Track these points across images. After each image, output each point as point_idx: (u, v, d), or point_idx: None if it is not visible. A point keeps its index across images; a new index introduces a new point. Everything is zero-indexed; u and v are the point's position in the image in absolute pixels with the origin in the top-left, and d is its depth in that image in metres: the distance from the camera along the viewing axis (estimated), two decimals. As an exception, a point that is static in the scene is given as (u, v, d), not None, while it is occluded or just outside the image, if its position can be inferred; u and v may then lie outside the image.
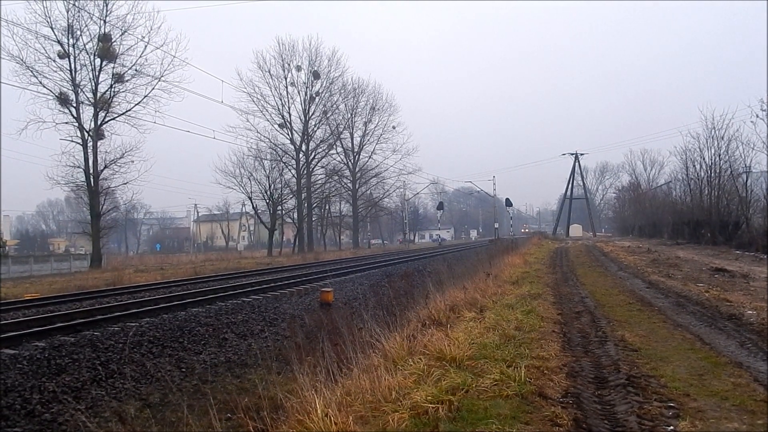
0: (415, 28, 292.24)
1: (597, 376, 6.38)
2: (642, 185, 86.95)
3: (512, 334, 8.30)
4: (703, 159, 43.50)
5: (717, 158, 41.49)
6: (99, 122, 40.74)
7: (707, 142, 42.38)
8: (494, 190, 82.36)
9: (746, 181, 39.13)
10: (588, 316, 10.53)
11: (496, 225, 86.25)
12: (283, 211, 63.71)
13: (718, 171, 41.53)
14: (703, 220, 42.48)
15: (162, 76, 40.78)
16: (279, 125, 61.18)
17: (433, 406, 4.99)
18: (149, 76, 40.86)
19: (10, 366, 9.55)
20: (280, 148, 61.20)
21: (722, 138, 40.71)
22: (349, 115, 69.65)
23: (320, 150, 65.95)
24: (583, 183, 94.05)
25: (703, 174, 44.00)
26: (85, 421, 6.15)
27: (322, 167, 67.83)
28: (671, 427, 4.61)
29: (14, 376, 9.05)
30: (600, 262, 27.21)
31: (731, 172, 40.34)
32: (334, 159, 70.74)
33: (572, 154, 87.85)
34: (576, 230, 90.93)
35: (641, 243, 48.34)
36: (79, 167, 40.31)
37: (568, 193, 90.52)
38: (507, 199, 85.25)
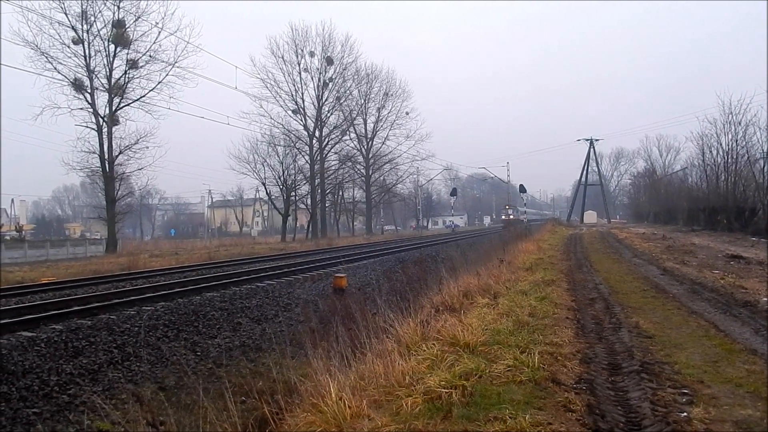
0: (429, 20, 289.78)
1: (611, 362, 6.37)
2: (657, 171, 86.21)
3: (526, 321, 8.29)
4: (720, 144, 43.04)
5: (734, 144, 41.06)
6: (113, 108, 40.89)
7: (724, 127, 41.91)
8: (508, 176, 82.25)
9: (764, 167, 38.73)
10: (602, 303, 10.50)
11: (510, 212, 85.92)
12: (297, 197, 63.81)
13: (735, 157, 41.11)
14: (719, 207, 42.04)
15: (176, 62, 40.82)
16: (292, 111, 61.11)
17: (447, 391, 5.01)
18: (163, 62, 40.89)
19: (28, 348, 9.70)
20: (294, 134, 61.23)
21: (739, 123, 40.26)
22: (363, 101, 69.44)
23: (333, 136, 65.90)
24: (598, 169, 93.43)
25: (719, 160, 43.57)
26: (101, 403, 6.25)
27: (336, 153, 67.91)
28: (685, 414, 4.60)
29: (32, 358, 9.19)
30: (614, 248, 27.05)
31: (748, 157, 39.93)
32: (348, 145, 70.75)
33: (587, 140, 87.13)
34: (590, 217, 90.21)
35: (656, 230, 47.97)
36: (94, 153, 40.58)
37: (583, 179, 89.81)
38: (521, 186, 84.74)
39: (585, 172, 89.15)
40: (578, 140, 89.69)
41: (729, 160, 41.75)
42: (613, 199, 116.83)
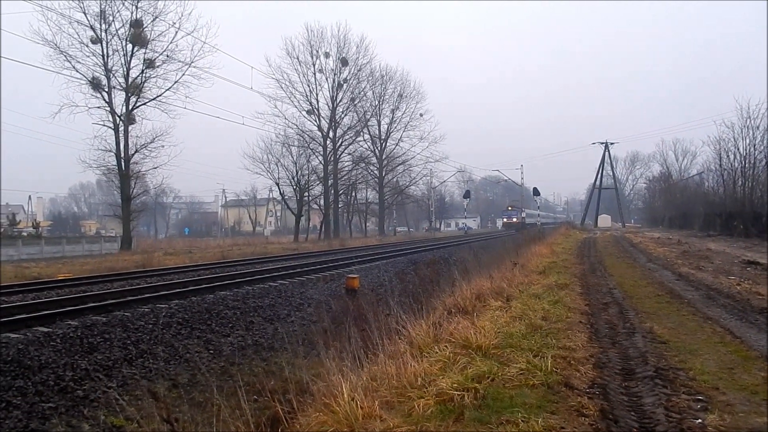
0: (444, 19, 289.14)
1: (624, 367, 6.33)
2: (673, 175, 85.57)
3: (539, 324, 8.26)
4: (738, 149, 42.73)
5: (752, 148, 40.77)
6: (130, 107, 41.34)
7: (742, 131, 41.63)
8: (522, 179, 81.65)
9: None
10: (616, 308, 10.43)
11: (524, 214, 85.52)
12: (310, 198, 63.98)
13: (752, 161, 40.77)
14: (736, 212, 41.62)
15: (192, 62, 41.22)
16: (307, 112, 61.28)
17: (459, 393, 5.01)
18: (180, 61, 41.30)
19: (44, 344, 9.80)
20: (308, 135, 61.37)
21: (758, 128, 39.93)
22: (377, 102, 69.40)
23: (347, 137, 66.02)
24: (613, 173, 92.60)
25: (737, 164, 43.25)
26: (117, 398, 6.30)
27: (349, 154, 67.91)
28: (699, 421, 4.56)
29: (48, 353, 9.28)
30: (629, 253, 26.87)
31: (766, 162, 39.45)
32: (361, 146, 70.75)
33: (602, 144, 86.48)
34: (604, 221, 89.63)
35: (671, 234, 47.53)
36: (110, 151, 41.02)
37: (597, 182, 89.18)
38: (534, 188, 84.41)
39: (599, 175, 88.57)
40: (593, 143, 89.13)
41: (746, 164, 41.42)
42: (627, 203, 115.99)
